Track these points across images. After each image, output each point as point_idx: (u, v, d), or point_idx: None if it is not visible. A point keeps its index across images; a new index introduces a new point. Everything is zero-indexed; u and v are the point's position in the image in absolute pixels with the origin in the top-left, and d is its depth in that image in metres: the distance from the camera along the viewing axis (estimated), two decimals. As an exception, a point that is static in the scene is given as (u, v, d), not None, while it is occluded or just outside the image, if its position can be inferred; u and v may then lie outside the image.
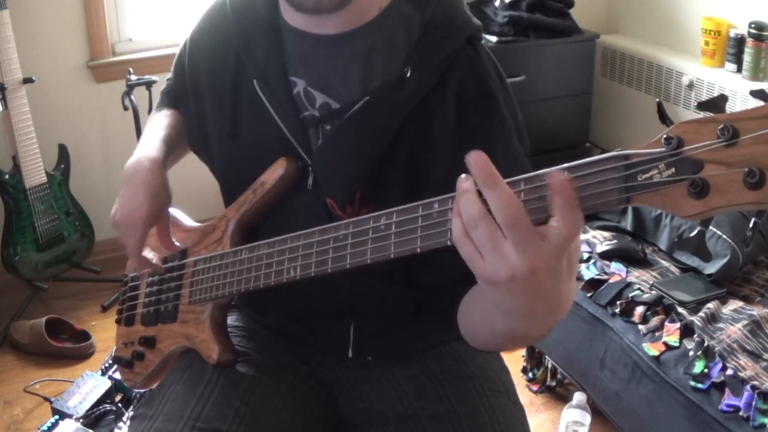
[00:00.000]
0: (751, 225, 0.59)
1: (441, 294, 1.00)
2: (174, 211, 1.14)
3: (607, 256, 2.04)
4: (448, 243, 0.70)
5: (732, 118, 0.55)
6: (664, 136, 0.58)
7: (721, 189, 0.55)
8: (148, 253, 1.11)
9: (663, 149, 0.58)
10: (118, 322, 1.20)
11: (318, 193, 0.99)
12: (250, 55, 1.00)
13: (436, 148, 0.94)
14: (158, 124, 1.18)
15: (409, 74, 0.93)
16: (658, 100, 0.67)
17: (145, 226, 1.04)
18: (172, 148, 1.15)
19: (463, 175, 0.66)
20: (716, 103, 0.57)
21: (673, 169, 0.57)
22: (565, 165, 0.63)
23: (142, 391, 1.20)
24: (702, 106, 0.56)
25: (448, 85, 0.94)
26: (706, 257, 0.61)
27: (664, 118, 0.63)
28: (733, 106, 2.50)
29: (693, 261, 1.98)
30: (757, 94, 0.53)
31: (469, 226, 0.65)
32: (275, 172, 0.99)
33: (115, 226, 1.06)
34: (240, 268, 0.97)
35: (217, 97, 1.05)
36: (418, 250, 0.73)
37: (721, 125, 0.55)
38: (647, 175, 0.58)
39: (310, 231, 0.87)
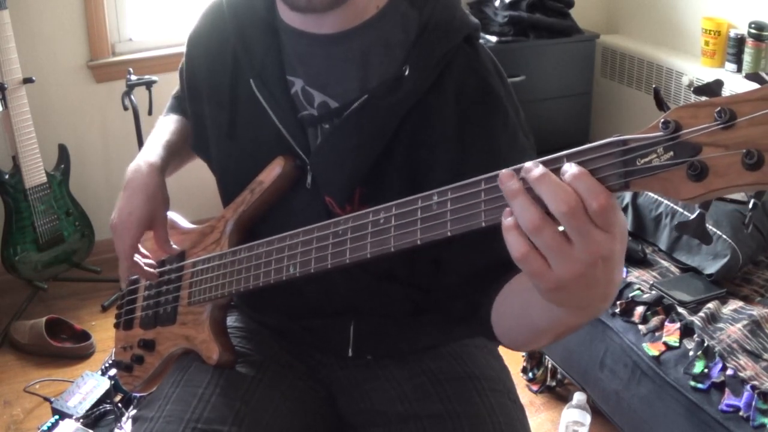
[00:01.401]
0: (750, 206, 0.59)
1: (441, 293, 1.01)
2: (171, 214, 1.14)
3: (607, 256, 2.04)
4: (449, 234, 0.70)
5: (729, 101, 0.55)
6: (662, 120, 0.58)
7: (719, 171, 0.55)
8: (141, 260, 1.10)
9: (661, 133, 0.58)
10: (116, 326, 1.20)
11: (317, 192, 0.99)
12: (247, 54, 1.00)
13: (436, 147, 0.93)
14: (163, 129, 1.19)
15: (407, 73, 0.93)
16: (655, 86, 0.66)
17: (138, 229, 1.04)
18: (174, 153, 1.15)
19: (504, 176, 0.64)
20: (712, 88, 0.57)
21: (671, 153, 0.57)
22: (564, 152, 0.63)
23: (141, 394, 1.19)
24: (698, 91, 0.56)
25: (446, 83, 0.93)
26: (707, 240, 0.60)
27: (661, 104, 0.63)
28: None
29: (693, 261, 1.98)
30: (752, 77, 0.53)
31: (534, 232, 0.61)
32: (273, 171, 0.99)
33: (112, 230, 1.07)
34: (239, 268, 0.97)
35: (215, 97, 1.05)
36: (419, 242, 0.73)
37: (718, 108, 0.55)
38: (646, 160, 0.59)
39: (309, 228, 0.87)
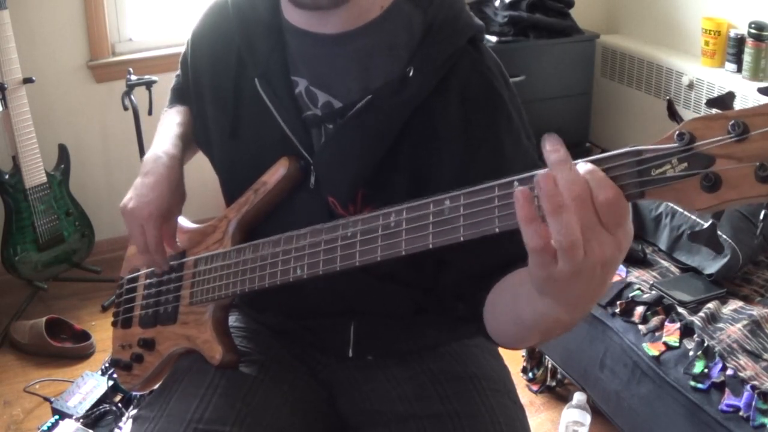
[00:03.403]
0: (762, 217, 0.62)
1: (443, 294, 1.00)
2: None
3: (607, 256, 2.04)
4: (461, 239, 0.71)
5: (742, 114, 0.57)
6: (677, 132, 0.59)
7: (732, 183, 0.57)
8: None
9: (676, 144, 0.59)
10: (114, 324, 1.19)
11: (320, 193, 0.99)
12: (252, 54, 1.00)
13: (441, 148, 0.94)
14: (172, 120, 1.18)
15: (411, 74, 0.93)
16: (668, 97, 0.68)
17: (161, 218, 1.03)
18: (188, 145, 1.15)
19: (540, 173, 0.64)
20: (724, 101, 0.59)
21: (685, 164, 0.59)
22: (581, 160, 0.64)
23: (139, 394, 1.19)
24: (711, 103, 0.59)
25: (451, 85, 0.94)
26: (719, 249, 0.63)
27: (674, 115, 0.65)
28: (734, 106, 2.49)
29: (693, 261, 1.99)
30: (764, 91, 0.56)
31: (558, 211, 0.62)
32: (277, 172, 0.99)
33: (128, 214, 1.03)
34: (244, 268, 0.97)
35: (219, 97, 1.05)
36: (431, 246, 0.74)
37: (732, 121, 0.57)
38: (661, 170, 0.60)
39: (316, 229, 0.87)
